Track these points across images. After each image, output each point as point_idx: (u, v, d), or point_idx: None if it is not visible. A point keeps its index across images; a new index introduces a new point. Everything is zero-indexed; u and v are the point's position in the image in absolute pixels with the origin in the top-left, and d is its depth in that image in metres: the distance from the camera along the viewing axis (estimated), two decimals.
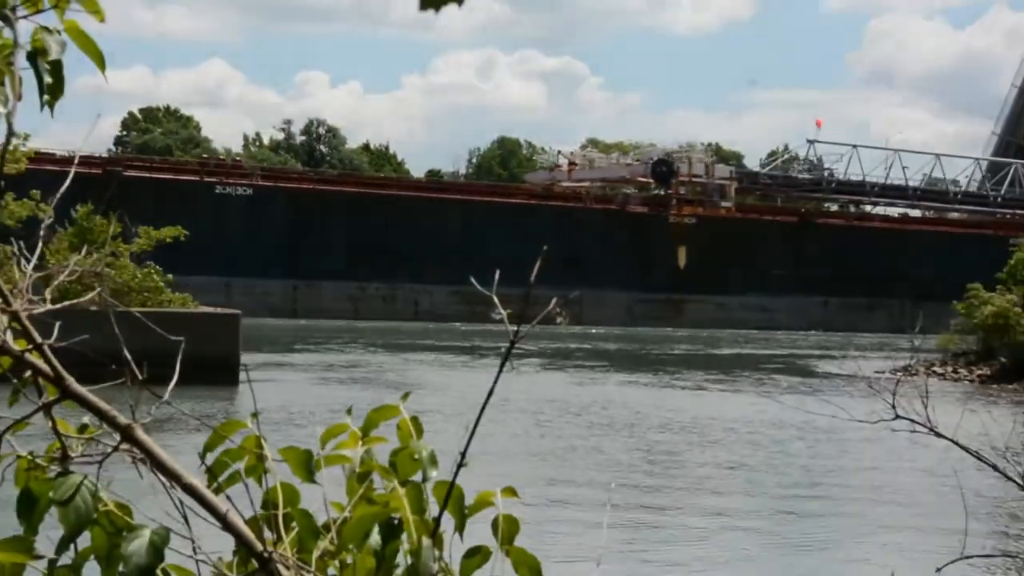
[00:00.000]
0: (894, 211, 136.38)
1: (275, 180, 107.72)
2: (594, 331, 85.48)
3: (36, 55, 2.87)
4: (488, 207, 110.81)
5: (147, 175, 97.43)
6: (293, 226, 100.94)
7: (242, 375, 36.20)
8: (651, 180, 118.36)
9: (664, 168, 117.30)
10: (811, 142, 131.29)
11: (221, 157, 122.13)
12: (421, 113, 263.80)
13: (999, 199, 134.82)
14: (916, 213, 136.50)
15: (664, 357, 68.96)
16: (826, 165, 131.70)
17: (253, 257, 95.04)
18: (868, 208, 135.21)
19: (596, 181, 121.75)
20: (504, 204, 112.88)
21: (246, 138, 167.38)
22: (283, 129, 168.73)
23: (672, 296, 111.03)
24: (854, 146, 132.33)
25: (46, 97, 2.90)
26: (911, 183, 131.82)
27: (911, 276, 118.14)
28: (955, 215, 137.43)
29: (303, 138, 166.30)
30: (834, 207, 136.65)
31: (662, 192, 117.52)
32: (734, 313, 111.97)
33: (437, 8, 1.40)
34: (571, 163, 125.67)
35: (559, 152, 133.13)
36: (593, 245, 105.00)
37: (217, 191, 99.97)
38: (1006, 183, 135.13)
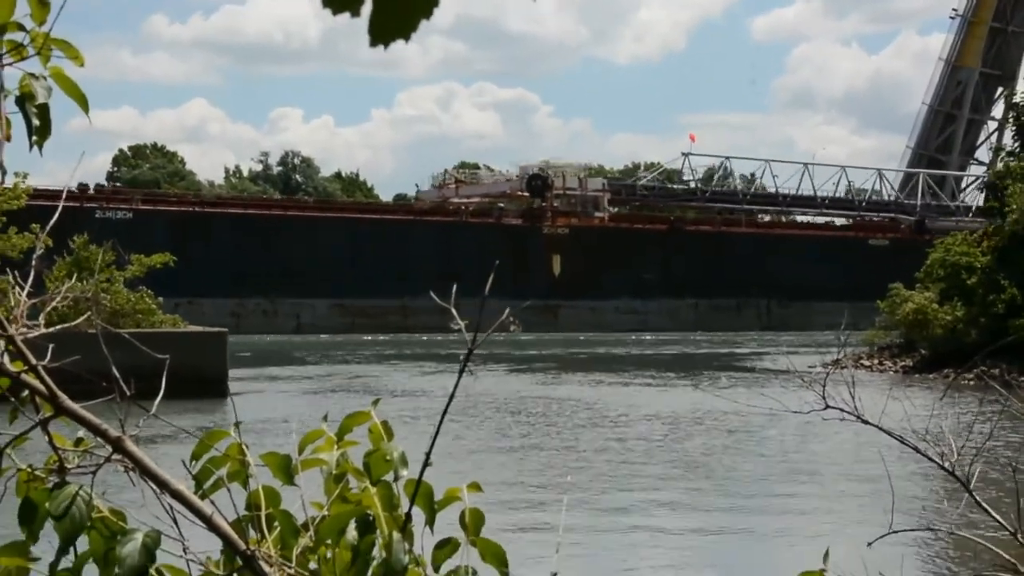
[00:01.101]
0: (807, 217, 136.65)
1: (155, 203, 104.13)
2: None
3: (24, 99, 2.86)
4: (368, 224, 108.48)
5: (32, 203, 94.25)
6: (174, 247, 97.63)
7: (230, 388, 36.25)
8: (527, 193, 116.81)
9: (538, 182, 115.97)
10: (685, 155, 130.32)
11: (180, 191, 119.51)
12: (388, 143, 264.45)
13: (863, 203, 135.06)
14: (835, 219, 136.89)
15: (571, 358, 68.92)
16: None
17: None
18: (789, 215, 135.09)
19: (482, 197, 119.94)
20: (383, 220, 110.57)
21: (227, 170, 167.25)
22: (261, 161, 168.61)
23: (548, 302, 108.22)
24: (726, 157, 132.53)
25: (35, 138, 2.89)
26: (782, 191, 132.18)
27: (777, 278, 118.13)
28: (821, 220, 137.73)
29: (280, 168, 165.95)
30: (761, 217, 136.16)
31: (537, 205, 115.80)
32: (607, 316, 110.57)
33: (386, 45, 1.39)
34: (458, 180, 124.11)
35: (445, 170, 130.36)
36: (471, 257, 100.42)
37: (97, 215, 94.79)
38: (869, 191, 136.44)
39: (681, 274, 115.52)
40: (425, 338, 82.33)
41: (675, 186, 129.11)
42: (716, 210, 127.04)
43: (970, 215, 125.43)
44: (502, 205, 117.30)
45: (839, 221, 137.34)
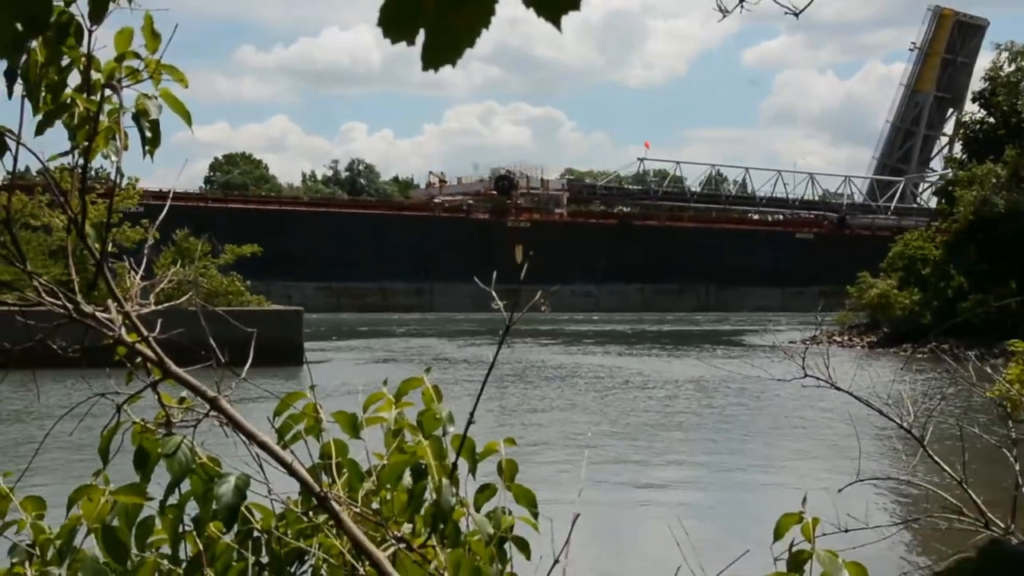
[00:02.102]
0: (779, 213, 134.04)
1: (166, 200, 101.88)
2: (448, 316, 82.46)
3: (139, 116, 2.89)
4: (352, 217, 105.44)
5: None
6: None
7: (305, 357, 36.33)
8: (495, 192, 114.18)
9: (505, 182, 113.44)
10: (640, 160, 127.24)
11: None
12: (438, 152, 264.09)
13: (797, 202, 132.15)
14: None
15: (563, 333, 68.79)
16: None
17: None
18: (731, 212, 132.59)
19: (462, 195, 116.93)
20: (365, 215, 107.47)
21: (303, 175, 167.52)
22: (331, 167, 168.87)
23: (510, 286, 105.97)
24: (677, 162, 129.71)
25: (147, 148, 2.92)
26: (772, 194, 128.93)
27: (716, 265, 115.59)
28: (758, 216, 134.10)
29: (347, 173, 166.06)
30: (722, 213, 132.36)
31: (505, 201, 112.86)
32: (564, 299, 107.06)
33: (436, 68, 1.39)
34: (441, 180, 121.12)
35: (430, 172, 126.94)
36: (443, 247, 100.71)
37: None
38: (805, 190, 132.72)
39: (629, 262, 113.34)
40: (397, 316, 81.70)
41: (630, 186, 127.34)
42: (666, 207, 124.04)
43: (888, 213, 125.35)
44: (471, 202, 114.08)
45: (772, 217, 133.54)
